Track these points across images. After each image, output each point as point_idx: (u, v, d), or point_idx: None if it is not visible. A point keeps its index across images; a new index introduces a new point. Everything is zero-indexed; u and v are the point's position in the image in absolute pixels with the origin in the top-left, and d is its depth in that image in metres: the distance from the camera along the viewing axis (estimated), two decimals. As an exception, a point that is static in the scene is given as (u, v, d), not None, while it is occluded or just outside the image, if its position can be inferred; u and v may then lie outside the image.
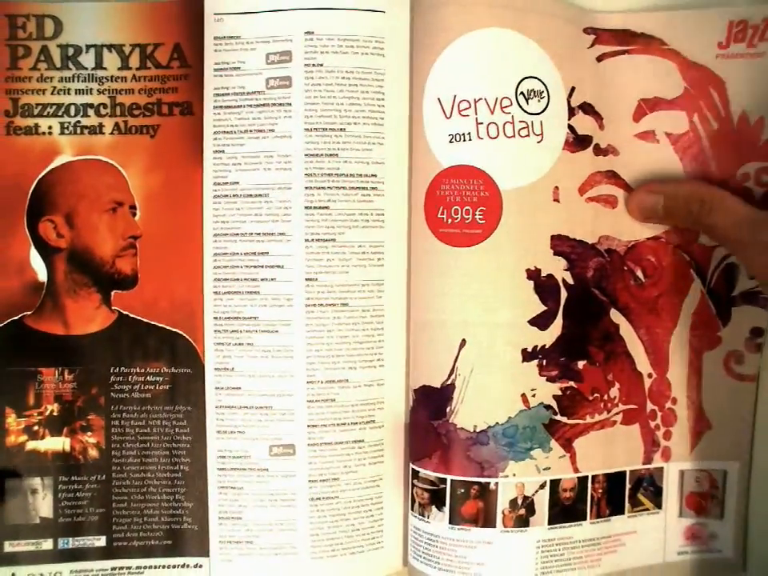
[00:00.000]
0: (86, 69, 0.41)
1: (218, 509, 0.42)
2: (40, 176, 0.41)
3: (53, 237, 0.41)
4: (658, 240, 0.42)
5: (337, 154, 0.40)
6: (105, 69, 0.41)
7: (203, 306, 0.41)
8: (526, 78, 0.39)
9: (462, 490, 0.40)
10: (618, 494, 0.42)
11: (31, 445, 0.41)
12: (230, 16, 0.41)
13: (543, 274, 0.40)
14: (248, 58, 0.41)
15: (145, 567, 0.42)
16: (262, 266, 0.41)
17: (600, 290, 0.42)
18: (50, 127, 0.41)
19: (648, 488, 0.43)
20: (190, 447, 0.42)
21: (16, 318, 0.41)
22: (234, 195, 0.41)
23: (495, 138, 0.38)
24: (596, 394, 0.41)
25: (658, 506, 0.43)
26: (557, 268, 0.40)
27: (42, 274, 0.41)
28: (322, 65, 0.40)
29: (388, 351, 0.42)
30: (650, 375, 0.42)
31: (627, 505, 0.43)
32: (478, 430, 0.39)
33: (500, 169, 0.39)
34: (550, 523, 0.41)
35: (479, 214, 0.39)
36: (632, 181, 0.41)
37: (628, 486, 0.43)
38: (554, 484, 0.41)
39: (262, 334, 0.41)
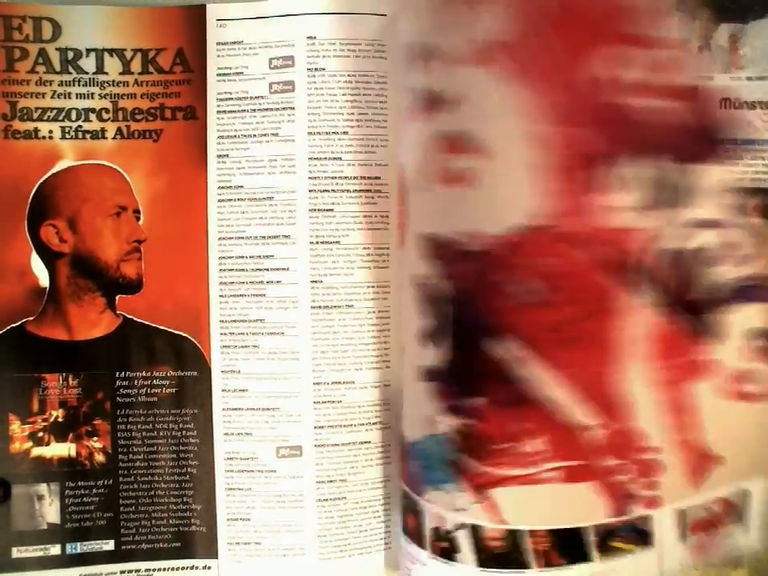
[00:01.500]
0: (87, 73, 0.41)
1: (226, 510, 0.42)
2: (41, 180, 0.41)
3: (55, 241, 0.41)
4: (552, 230, 0.26)
5: (340, 157, 0.41)
6: (106, 73, 0.41)
7: (209, 309, 0.41)
8: None
9: (405, 501, 0.37)
10: (575, 545, 0.33)
11: (36, 451, 0.41)
12: (232, 22, 0.41)
13: (426, 280, 0.32)
14: (251, 63, 0.41)
15: (154, 570, 0.42)
16: (267, 269, 0.41)
17: (484, 309, 0.29)
18: (50, 131, 0.41)
19: (628, 535, 0.35)
20: (197, 450, 0.42)
21: (16, 324, 0.41)
22: (238, 199, 0.41)
23: None
24: (511, 443, 0.31)
25: (647, 543, 0.35)
26: (437, 274, 0.32)
27: (44, 279, 0.41)
28: (324, 69, 0.41)
29: (394, 352, 0.42)
30: (602, 425, 0.32)
31: (595, 553, 0.34)
32: (409, 441, 0.36)
33: None
34: (482, 565, 0.33)
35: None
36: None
37: (593, 537, 0.33)
38: (477, 528, 0.33)
39: (267, 337, 0.41)
